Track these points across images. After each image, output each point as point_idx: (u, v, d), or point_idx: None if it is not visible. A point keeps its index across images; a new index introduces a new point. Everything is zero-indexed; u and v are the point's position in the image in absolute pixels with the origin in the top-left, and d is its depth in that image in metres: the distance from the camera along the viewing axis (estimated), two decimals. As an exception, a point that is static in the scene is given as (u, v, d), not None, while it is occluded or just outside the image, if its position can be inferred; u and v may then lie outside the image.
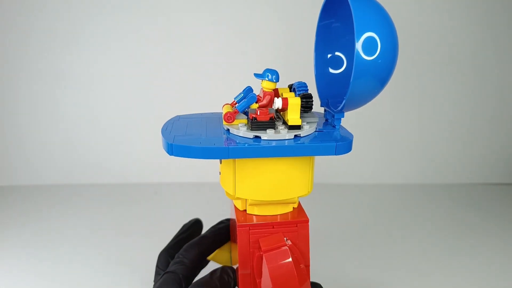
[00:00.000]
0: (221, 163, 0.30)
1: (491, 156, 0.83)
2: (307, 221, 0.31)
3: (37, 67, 0.76)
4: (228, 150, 0.25)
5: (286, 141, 0.27)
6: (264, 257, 0.27)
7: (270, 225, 0.29)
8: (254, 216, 0.30)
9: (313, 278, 0.49)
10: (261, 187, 0.29)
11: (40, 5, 0.73)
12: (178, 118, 0.33)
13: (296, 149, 0.27)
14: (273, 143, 0.27)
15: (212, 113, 0.35)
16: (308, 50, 0.76)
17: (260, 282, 0.28)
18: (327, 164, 0.82)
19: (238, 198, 0.30)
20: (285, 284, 0.26)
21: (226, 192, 0.31)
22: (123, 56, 0.76)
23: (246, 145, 0.26)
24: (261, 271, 0.28)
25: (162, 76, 0.77)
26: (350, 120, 0.79)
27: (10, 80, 0.76)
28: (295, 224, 0.30)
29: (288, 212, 0.31)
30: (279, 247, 0.27)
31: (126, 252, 0.53)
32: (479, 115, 0.81)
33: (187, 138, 0.28)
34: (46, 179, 0.80)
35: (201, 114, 0.34)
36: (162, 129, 0.30)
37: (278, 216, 0.31)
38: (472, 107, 0.80)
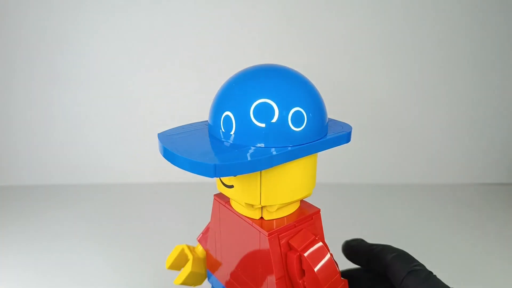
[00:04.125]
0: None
1: (491, 156, 0.83)
2: (319, 210, 0.31)
3: (37, 67, 0.76)
4: (272, 157, 0.23)
5: None
6: (305, 257, 0.27)
7: (293, 225, 0.28)
8: (274, 221, 0.28)
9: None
10: (284, 190, 0.27)
11: (40, 5, 0.73)
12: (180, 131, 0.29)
13: (320, 144, 0.26)
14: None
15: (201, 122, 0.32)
16: (308, 50, 0.76)
17: (303, 281, 0.27)
18: (327, 164, 0.82)
19: (258, 208, 0.28)
20: (329, 275, 0.27)
21: (242, 203, 0.28)
22: (123, 56, 0.76)
23: (275, 151, 0.23)
24: (300, 271, 0.27)
25: (162, 76, 0.77)
26: (350, 120, 0.79)
27: (10, 80, 0.76)
28: (311, 217, 0.30)
29: (297, 209, 0.30)
30: (313, 244, 0.27)
31: (126, 252, 0.53)
32: (479, 115, 0.81)
33: (228, 155, 0.23)
34: (46, 179, 0.80)
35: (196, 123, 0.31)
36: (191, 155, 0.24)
37: (292, 214, 0.30)
38: (473, 107, 0.80)
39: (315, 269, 0.26)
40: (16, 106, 0.78)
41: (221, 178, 0.27)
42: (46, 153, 0.80)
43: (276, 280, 0.27)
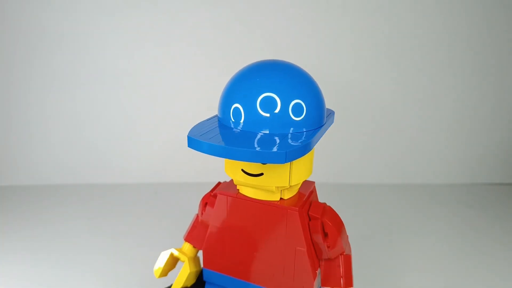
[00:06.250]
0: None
1: (491, 156, 0.83)
2: (314, 182, 0.36)
3: (37, 67, 0.76)
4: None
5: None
6: (327, 222, 0.31)
7: (307, 200, 0.32)
8: (291, 199, 0.31)
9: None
10: (304, 169, 0.30)
11: (44, 5, 0.73)
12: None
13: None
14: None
15: None
16: (308, 50, 0.76)
17: (327, 243, 0.31)
18: (327, 164, 0.82)
19: (278, 190, 0.31)
20: (342, 229, 0.33)
21: (272, 188, 0.30)
22: (125, 55, 0.76)
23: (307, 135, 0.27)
24: (324, 234, 0.31)
25: (163, 76, 0.77)
26: (350, 120, 0.79)
27: (10, 81, 0.76)
28: (312, 188, 0.35)
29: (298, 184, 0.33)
30: (326, 209, 0.32)
31: (126, 252, 0.53)
32: (479, 115, 0.81)
33: (283, 143, 0.26)
34: (46, 179, 0.80)
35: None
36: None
37: (300, 190, 0.33)
38: (472, 107, 0.80)
39: (336, 229, 0.31)
40: (16, 106, 0.78)
41: (247, 169, 0.29)
42: (46, 153, 0.80)
43: (306, 250, 0.30)
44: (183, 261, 0.36)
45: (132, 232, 0.60)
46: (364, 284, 0.47)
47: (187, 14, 0.75)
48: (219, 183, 0.36)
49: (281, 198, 0.31)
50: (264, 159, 0.24)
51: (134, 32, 0.75)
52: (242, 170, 0.29)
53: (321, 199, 0.72)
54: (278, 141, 0.25)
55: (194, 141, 0.26)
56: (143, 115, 0.79)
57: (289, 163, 0.28)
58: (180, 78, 0.77)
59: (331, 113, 0.33)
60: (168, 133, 0.80)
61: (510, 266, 0.51)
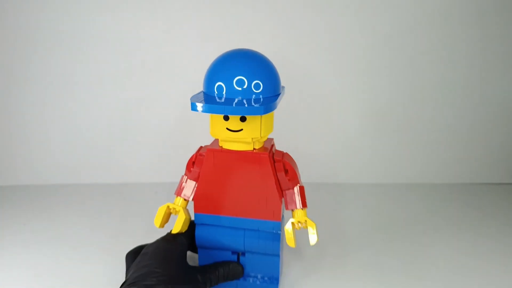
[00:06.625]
0: (244, 120, 0.40)
1: (491, 156, 0.83)
2: (273, 139, 0.47)
3: (38, 67, 0.76)
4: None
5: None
6: (287, 162, 0.43)
7: (271, 150, 0.44)
8: (261, 149, 0.43)
9: (314, 278, 0.49)
10: (269, 126, 0.43)
11: (43, 6, 0.73)
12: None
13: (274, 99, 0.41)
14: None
15: None
16: (308, 50, 0.76)
17: (287, 177, 0.43)
18: (327, 164, 0.82)
19: (251, 142, 0.42)
20: (296, 168, 0.44)
21: (249, 139, 0.41)
22: (124, 56, 0.76)
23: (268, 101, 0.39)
24: (285, 171, 0.43)
25: (163, 76, 0.77)
26: (350, 120, 0.79)
27: (10, 80, 0.76)
28: (273, 143, 0.46)
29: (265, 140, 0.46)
30: (284, 155, 0.44)
31: (125, 252, 0.53)
32: (479, 114, 0.81)
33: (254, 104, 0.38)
34: (47, 179, 0.80)
35: None
36: None
37: (265, 144, 0.45)
38: (473, 107, 0.80)
39: (293, 167, 0.43)
40: (16, 106, 0.78)
41: (231, 127, 0.41)
42: (47, 153, 0.80)
43: (275, 183, 0.42)
44: (177, 212, 0.46)
45: (132, 231, 0.60)
46: (363, 283, 0.47)
47: (187, 15, 0.75)
48: (200, 147, 0.46)
49: (254, 149, 0.42)
50: (250, 112, 0.37)
51: (135, 34, 0.75)
52: (227, 128, 0.41)
53: (321, 198, 0.72)
54: (246, 104, 0.37)
55: (196, 105, 0.37)
56: (143, 115, 0.79)
57: (260, 121, 0.41)
58: (180, 78, 0.77)
59: (283, 87, 0.45)
60: (168, 133, 0.80)
61: (509, 265, 0.51)
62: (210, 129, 0.43)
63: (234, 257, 0.46)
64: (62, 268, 0.50)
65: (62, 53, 0.75)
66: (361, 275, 0.49)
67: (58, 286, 0.46)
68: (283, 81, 0.44)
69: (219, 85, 0.39)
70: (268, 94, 0.40)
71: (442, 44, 0.77)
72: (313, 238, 0.42)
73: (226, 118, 0.41)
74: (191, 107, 0.38)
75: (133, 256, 0.44)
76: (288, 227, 0.42)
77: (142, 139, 0.80)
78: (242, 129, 0.41)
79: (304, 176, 0.50)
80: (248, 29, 0.75)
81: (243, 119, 0.40)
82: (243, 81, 0.39)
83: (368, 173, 0.83)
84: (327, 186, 0.80)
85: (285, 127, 0.78)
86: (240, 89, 0.39)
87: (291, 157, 0.45)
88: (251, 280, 0.46)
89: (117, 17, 0.74)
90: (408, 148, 0.82)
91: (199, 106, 0.37)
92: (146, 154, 0.81)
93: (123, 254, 0.48)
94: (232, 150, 0.42)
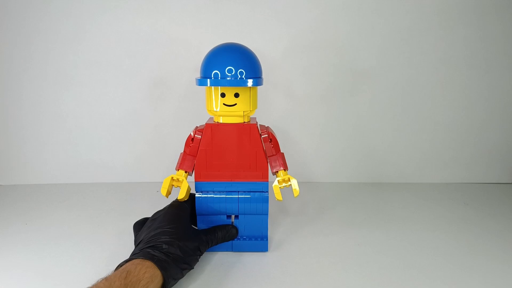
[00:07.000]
0: (237, 96, 0.50)
1: (491, 156, 0.83)
2: (255, 117, 0.55)
3: (38, 67, 0.76)
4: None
5: None
6: (270, 132, 0.53)
7: (255, 122, 0.52)
8: (250, 122, 0.52)
9: (313, 277, 0.49)
10: (255, 102, 0.52)
11: (44, 5, 0.73)
12: None
13: (255, 82, 0.49)
14: None
15: None
16: (307, 50, 0.76)
17: (271, 145, 0.52)
18: (327, 164, 0.82)
19: (242, 116, 0.51)
20: (276, 138, 0.53)
21: (241, 113, 0.50)
22: (125, 56, 0.76)
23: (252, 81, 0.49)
24: (269, 141, 0.52)
25: (163, 76, 0.77)
26: (350, 120, 0.80)
27: (11, 80, 0.76)
28: (256, 120, 0.54)
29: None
30: (267, 128, 0.54)
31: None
32: (479, 115, 0.81)
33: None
34: (47, 179, 0.80)
35: None
36: None
37: (251, 119, 0.53)
38: (472, 106, 0.80)
39: (275, 137, 0.53)
40: (17, 106, 0.78)
41: (227, 102, 0.50)
42: (47, 153, 0.80)
43: (262, 149, 0.51)
44: (181, 182, 0.52)
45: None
46: (363, 282, 0.47)
47: (187, 16, 0.75)
48: (196, 127, 0.54)
49: (244, 122, 0.51)
50: (245, 84, 0.48)
51: (136, 33, 0.75)
52: (224, 104, 0.50)
53: (322, 198, 0.73)
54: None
55: (202, 81, 0.48)
56: (143, 115, 0.79)
57: (249, 96, 0.50)
58: (180, 79, 0.77)
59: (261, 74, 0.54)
60: (169, 133, 0.80)
61: (507, 265, 0.51)
62: (206, 107, 0.51)
63: (229, 221, 0.53)
64: (62, 268, 0.50)
65: (62, 53, 0.75)
66: (360, 272, 0.49)
67: (58, 285, 0.46)
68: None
69: (215, 72, 0.48)
70: (251, 77, 0.50)
71: (442, 43, 0.77)
72: (296, 192, 0.51)
73: (223, 95, 0.49)
74: (199, 83, 0.48)
75: (141, 225, 0.51)
76: (275, 184, 0.52)
77: (143, 139, 0.81)
78: (236, 104, 0.50)
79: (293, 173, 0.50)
80: (243, 25, 0.76)
81: (236, 95, 0.49)
82: (231, 69, 0.48)
83: (368, 173, 0.83)
84: (327, 186, 0.80)
85: (283, 119, 0.77)
86: (230, 75, 0.48)
87: (272, 130, 0.54)
88: (245, 238, 0.53)
89: (119, 17, 0.74)
90: (408, 148, 0.82)
91: (208, 81, 0.48)
92: (147, 154, 0.81)
93: (124, 253, 0.48)
94: (226, 123, 0.51)
